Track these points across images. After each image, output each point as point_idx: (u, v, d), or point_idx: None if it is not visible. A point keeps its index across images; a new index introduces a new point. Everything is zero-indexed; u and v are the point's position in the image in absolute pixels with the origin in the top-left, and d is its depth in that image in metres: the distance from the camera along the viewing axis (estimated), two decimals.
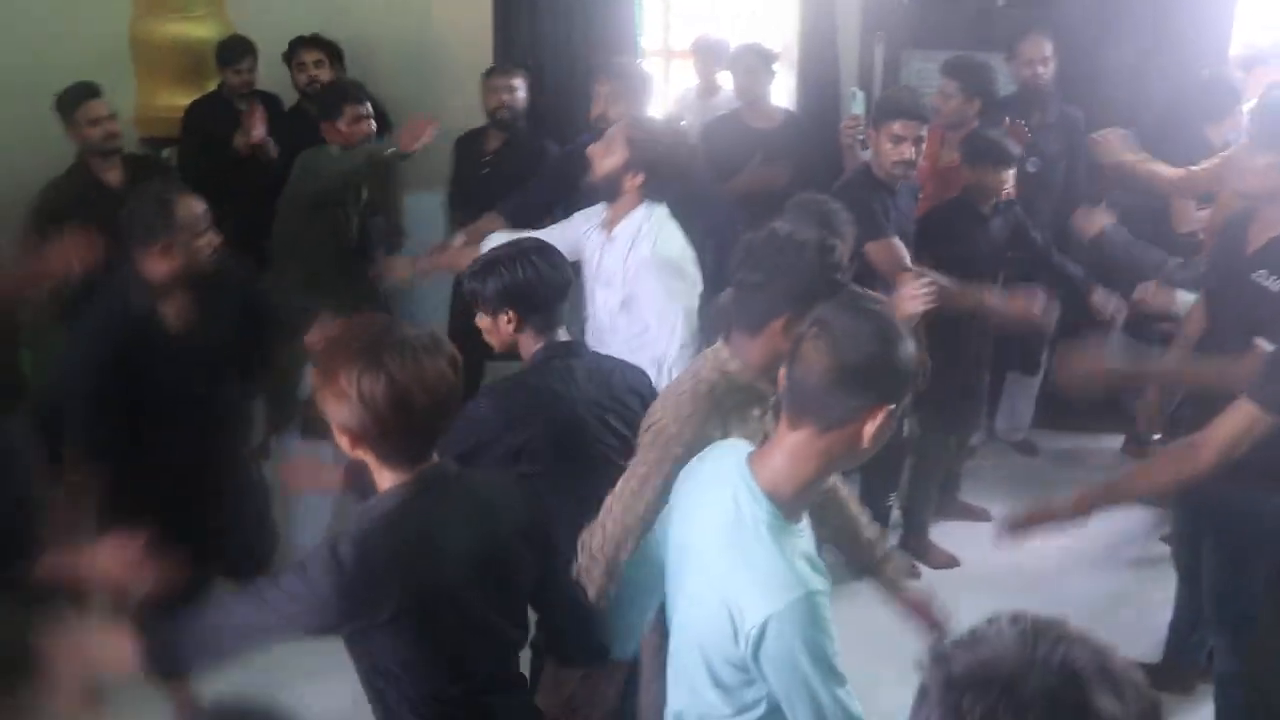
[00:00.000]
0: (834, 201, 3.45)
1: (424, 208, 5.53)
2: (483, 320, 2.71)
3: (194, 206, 3.19)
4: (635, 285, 3.29)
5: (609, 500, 2.36)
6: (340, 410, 1.88)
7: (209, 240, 3.21)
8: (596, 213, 3.52)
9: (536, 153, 4.99)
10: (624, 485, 2.34)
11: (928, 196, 4.54)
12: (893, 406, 1.79)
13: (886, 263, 3.89)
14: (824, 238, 2.35)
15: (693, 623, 1.95)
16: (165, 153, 5.60)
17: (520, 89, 5.07)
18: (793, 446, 1.84)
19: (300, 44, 5.48)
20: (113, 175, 4.44)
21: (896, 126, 3.91)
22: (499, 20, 5.54)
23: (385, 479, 1.98)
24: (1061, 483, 4.45)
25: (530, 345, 2.70)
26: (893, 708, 1.54)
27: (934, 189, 4.61)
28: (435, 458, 2.01)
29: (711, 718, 1.95)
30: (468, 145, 5.26)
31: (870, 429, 1.79)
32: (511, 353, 2.75)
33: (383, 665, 1.99)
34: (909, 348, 1.81)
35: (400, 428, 1.88)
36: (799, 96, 5.62)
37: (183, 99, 5.81)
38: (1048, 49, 4.89)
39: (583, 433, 2.64)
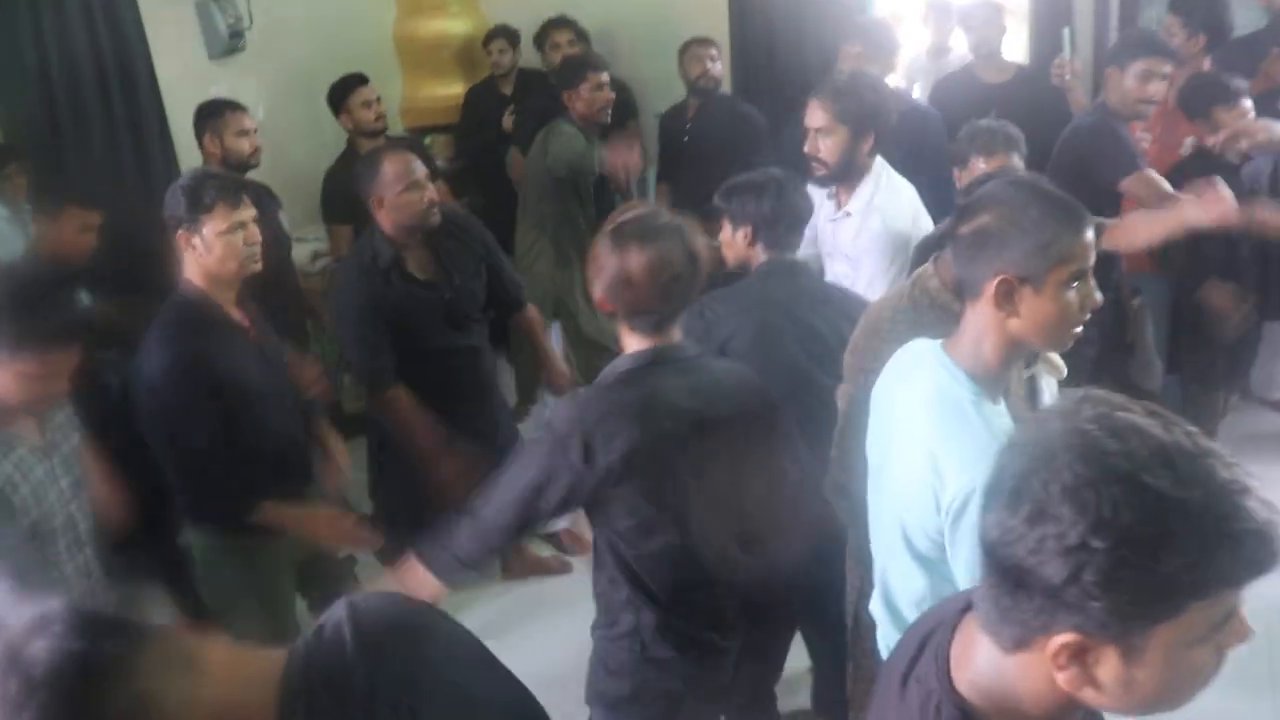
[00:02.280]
0: (1012, 127, 3.44)
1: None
2: (723, 231, 3.05)
3: (399, 163, 3.47)
4: (866, 260, 3.35)
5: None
6: (601, 275, 2.25)
7: (421, 194, 3.48)
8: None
9: (737, 117, 5.16)
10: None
11: (1156, 139, 4.43)
12: (1012, 277, 1.85)
13: (1148, 194, 3.74)
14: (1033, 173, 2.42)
15: (894, 502, 2.06)
16: (427, 139, 6.07)
17: (718, 58, 5.26)
18: (969, 324, 1.94)
19: (550, 26, 5.83)
20: None
21: (1141, 64, 3.85)
22: None
23: (630, 343, 2.31)
24: None
25: (759, 260, 3.03)
26: None
27: (1161, 131, 4.49)
28: (677, 335, 2.31)
29: (909, 590, 2.07)
30: (671, 120, 5.47)
31: (998, 299, 1.86)
32: (738, 270, 3.08)
33: (614, 529, 2.26)
34: (1037, 216, 1.84)
35: (644, 297, 2.22)
36: (1031, 49, 5.54)
37: (443, 90, 6.34)
38: None
39: (780, 337, 2.85)
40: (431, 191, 3.53)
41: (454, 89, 6.33)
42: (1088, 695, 1.13)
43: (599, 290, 2.29)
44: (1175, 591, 1.04)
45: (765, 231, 2.99)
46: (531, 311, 4.01)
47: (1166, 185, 3.77)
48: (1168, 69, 3.91)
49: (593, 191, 4.97)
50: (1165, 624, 1.05)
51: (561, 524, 4.54)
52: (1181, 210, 3.13)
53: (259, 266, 2.97)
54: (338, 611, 1.36)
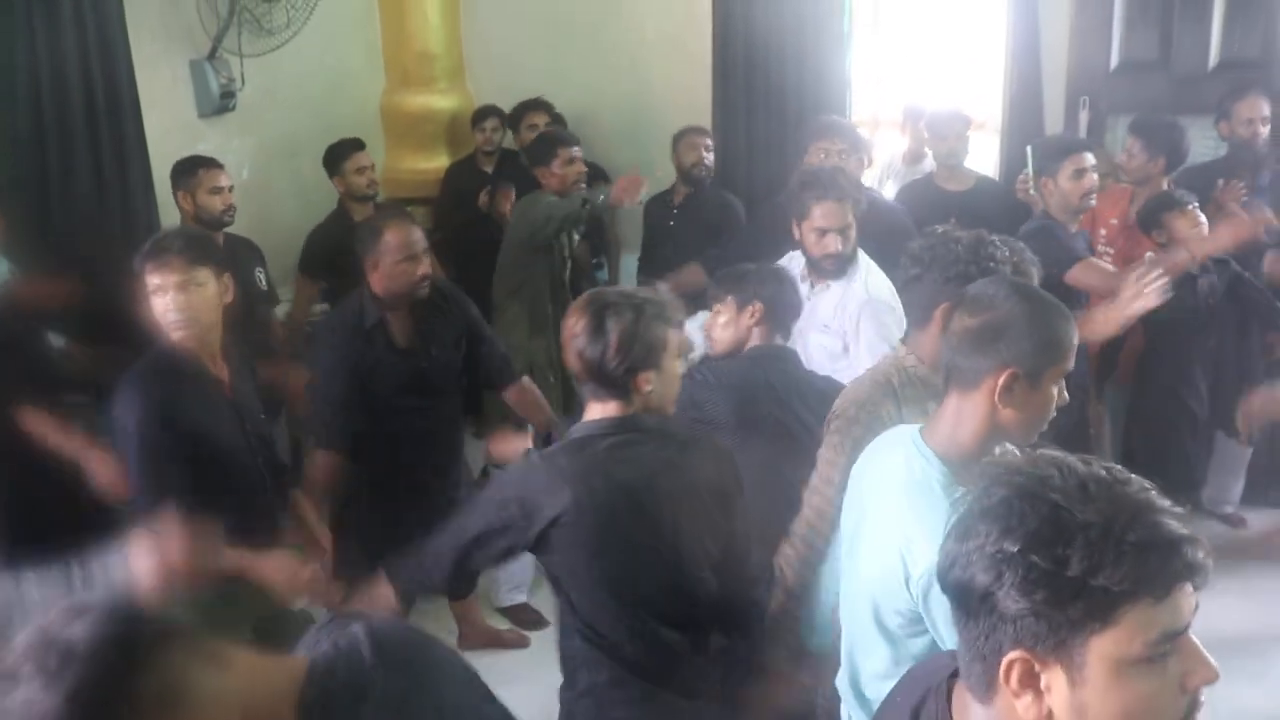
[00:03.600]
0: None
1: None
2: (721, 315, 3.18)
3: (401, 234, 3.56)
4: (854, 328, 3.54)
5: (806, 493, 2.60)
6: (572, 343, 2.38)
7: (415, 266, 3.57)
8: (795, 261, 3.74)
9: (721, 206, 5.29)
10: (816, 475, 2.56)
11: (1119, 254, 4.57)
12: (1018, 371, 1.93)
13: (1096, 281, 3.91)
14: (979, 234, 2.51)
15: (865, 578, 2.11)
16: (407, 209, 6.12)
17: (712, 148, 5.39)
18: (951, 410, 2.01)
19: (526, 108, 5.95)
20: None
21: (1068, 165, 4.07)
22: (718, 85, 5.85)
23: (592, 410, 2.41)
24: (1272, 562, 4.36)
25: (756, 343, 3.16)
26: None
27: (1125, 245, 4.64)
28: (623, 409, 2.39)
29: (872, 665, 2.11)
30: (654, 202, 5.58)
31: (1000, 391, 1.93)
32: (722, 350, 3.21)
33: (559, 577, 2.35)
34: (1042, 314, 1.94)
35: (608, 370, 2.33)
36: (1003, 160, 5.73)
37: (424, 163, 6.45)
38: (1266, 109, 4.86)
39: (762, 420, 2.97)
40: (426, 265, 3.61)
41: (435, 162, 6.45)
42: None
43: (570, 357, 2.40)
44: (1090, 595, 1.12)
45: (773, 314, 3.14)
46: (525, 384, 4.02)
47: (1109, 267, 3.93)
48: (1091, 160, 4.13)
49: (568, 258, 5.06)
50: (1097, 636, 1.13)
51: (520, 597, 4.53)
52: (1128, 291, 3.28)
53: (181, 332, 2.92)
54: (354, 628, 1.42)
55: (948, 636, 1.90)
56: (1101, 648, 1.13)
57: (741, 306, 3.15)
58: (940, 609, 1.87)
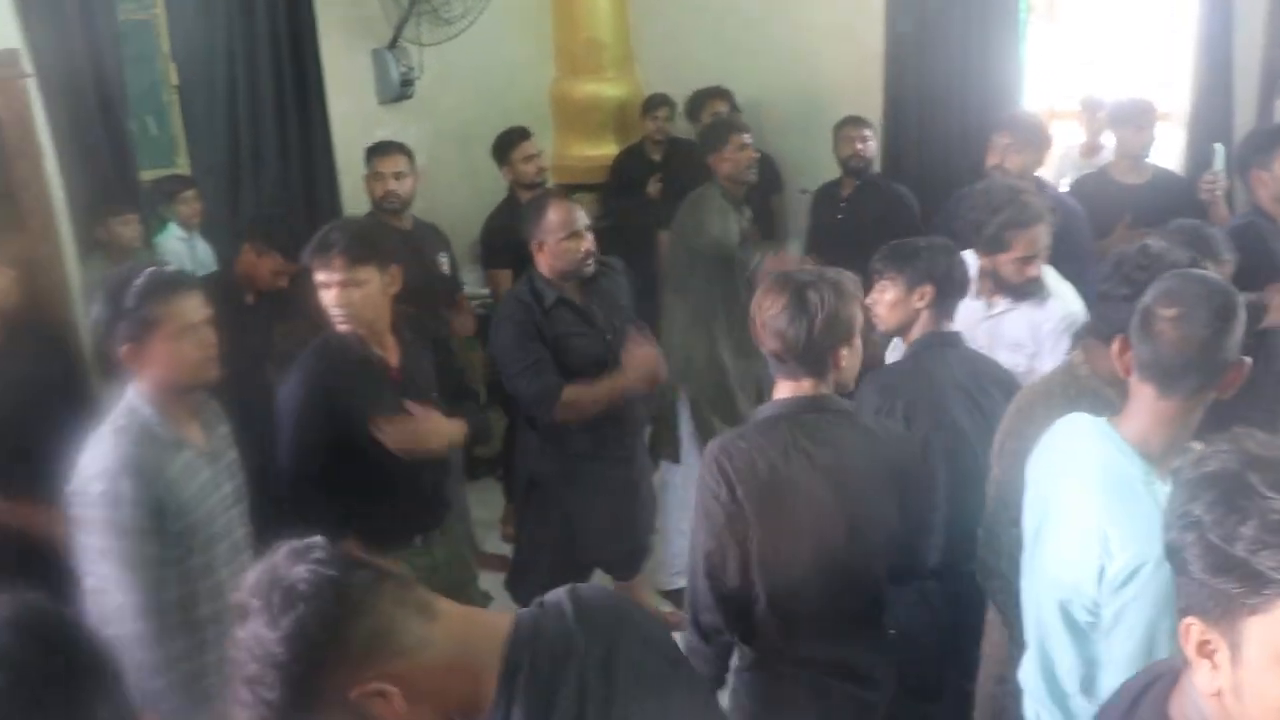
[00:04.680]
0: (1212, 227, 3.35)
1: None
2: (887, 293, 3.03)
3: (563, 211, 3.60)
4: (1047, 345, 3.36)
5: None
6: (757, 328, 2.41)
7: (580, 243, 3.60)
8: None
9: (893, 198, 5.20)
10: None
11: None
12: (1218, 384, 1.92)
13: None
14: (1194, 259, 2.41)
15: (1053, 573, 2.07)
16: (573, 197, 6.22)
17: (871, 139, 5.30)
18: (1149, 409, 1.96)
19: (707, 95, 5.95)
20: None
21: None
22: (890, 75, 5.78)
23: (778, 391, 2.44)
24: None
25: (923, 326, 3.01)
26: None
27: None
28: (817, 389, 2.40)
29: (1066, 660, 2.07)
30: (822, 194, 5.51)
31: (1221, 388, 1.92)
32: (890, 331, 3.10)
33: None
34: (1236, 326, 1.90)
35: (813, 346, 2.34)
36: (1189, 155, 5.49)
37: (592, 150, 6.54)
38: None
39: (945, 410, 2.85)
40: (589, 241, 3.64)
41: (603, 150, 6.52)
42: (1221, 707, 1.21)
43: (767, 338, 2.41)
44: (1248, 575, 1.15)
45: (944, 296, 2.99)
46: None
47: None
48: None
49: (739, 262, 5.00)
50: (1255, 618, 1.16)
51: (682, 582, 4.56)
52: None
53: (345, 326, 3.02)
54: (559, 592, 1.51)
55: (1122, 643, 1.90)
56: (1260, 632, 1.16)
57: (911, 287, 2.99)
58: (1129, 611, 1.86)
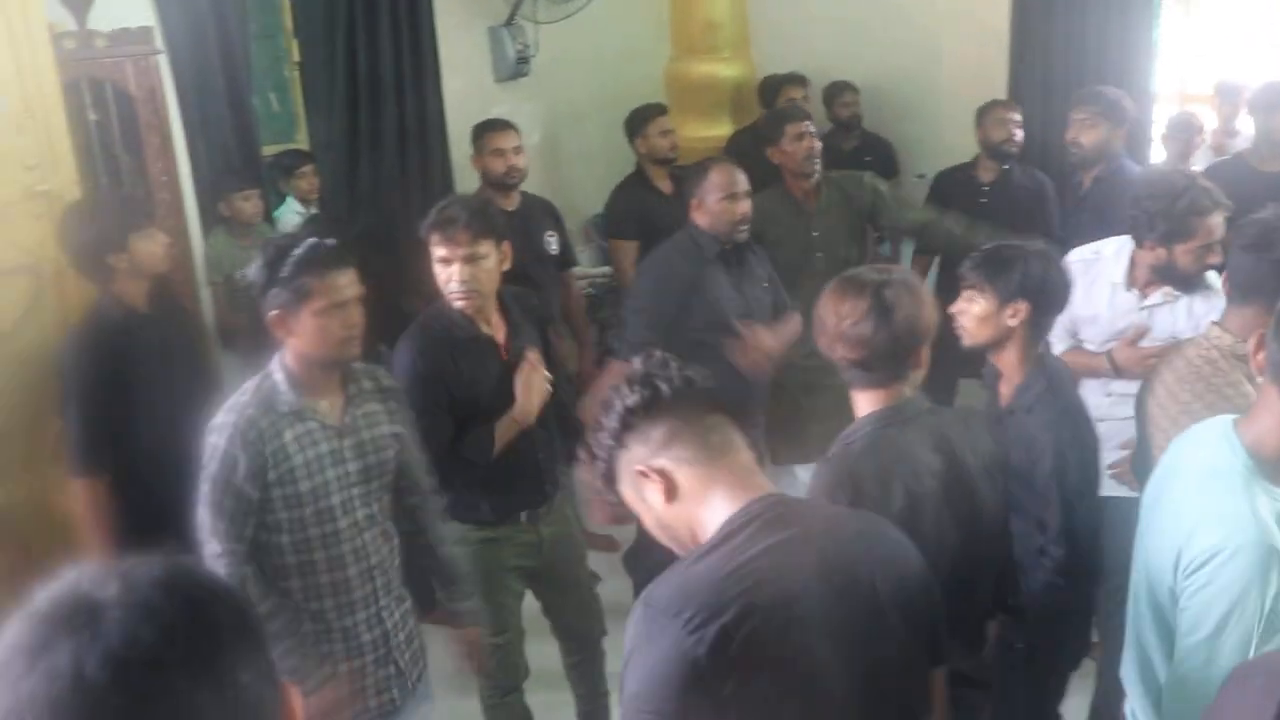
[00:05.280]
0: None
1: None
2: (975, 305, 2.69)
3: (726, 173, 3.70)
4: None
5: None
6: (830, 337, 2.26)
7: (736, 205, 3.68)
8: (1121, 256, 3.38)
9: (1035, 186, 5.04)
10: None
11: None
12: None
13: None
14: None
15: (1149, 562, 2.01)
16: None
17: (1020, 124, 5.12)
18: (1271, 407, 1.85)
19: (780, 81, 5.90)
20: (664, 184, 4.98)
21: None
22: (1014, 57, 5.62)
23: (862, 404, 2.28)
24: None
25: (1020, 349, 2.67)
26: None
27: None
28: (906, 392, 2.26)
29: (1160, 661, 2.01)
30: (955, 179, 5.33)
31: None
32: (977, 346, 2.75)
33: None
34: None
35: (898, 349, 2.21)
36: None
37: (705, 130, 6.47)
38: None
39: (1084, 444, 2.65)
40: (746, 207, 3.69)
41: (718, 130, 6.45)
42: None
43: (842, 345, 2.25)
44: None
45: (1040, 314, 2.66)
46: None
47: None
48: None
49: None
50: None
51: None
52: None
53: (463, 302, 3.02)
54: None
55: (1188, 630, 1.85)
56: None
57: (1003, 302, 2.64)
58: (1202, 592, 1.81)
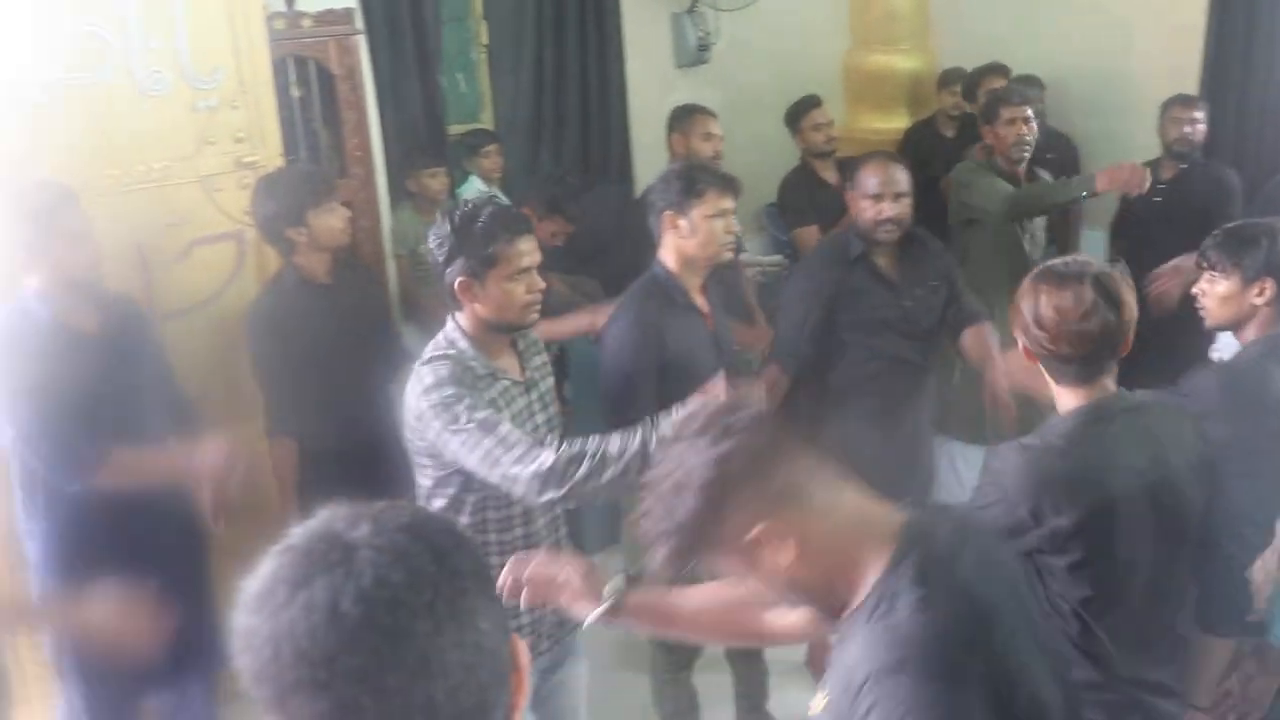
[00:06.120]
0: None
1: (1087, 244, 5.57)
2: (1219, 285, 2.68)
3: (878, 171, 3.56)
4: None
5: None
6: (1018, 322, 2.20)
7: (885, 207, 3.52)
8: None
9: (1217, 183, 4.84)
10: None
11: None
12: None
13: None
14: None
15: None
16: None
17: (1201, 121, 4.92)
18: None
19: (982, 72, 5.71)
20: (829, 174, 4.99)
21: None
22: (1210, 54, 5.41)
23: (1063, 400, 2.21)
24: None
25: (1261, 325, 2.66)
26: None
27: None
28: (1111, 386, 2.19)
29: None
30: None
31: None
32: (1216, 324, 2.77)
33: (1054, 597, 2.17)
34: None
35: (1070, 349, 2.13)
36: None
37: (882, 123, 6.42)
38: None
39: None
40: (893, 208, 3.56)
41: (894, 123, 6.39)
42: None
43: (1019, 338, 2.22)
44: None
45: None
46: (985, 329, 3.68)
47: None
48: None
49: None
50: None
51: None
52: None
53: (730, 255, 3.12)
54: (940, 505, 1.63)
55: None
56: None
57: (1248, 281, 2.62)
58: None
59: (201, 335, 3.56)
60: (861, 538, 1.48)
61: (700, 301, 3.15)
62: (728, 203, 3.03)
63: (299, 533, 0.99)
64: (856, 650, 1.43)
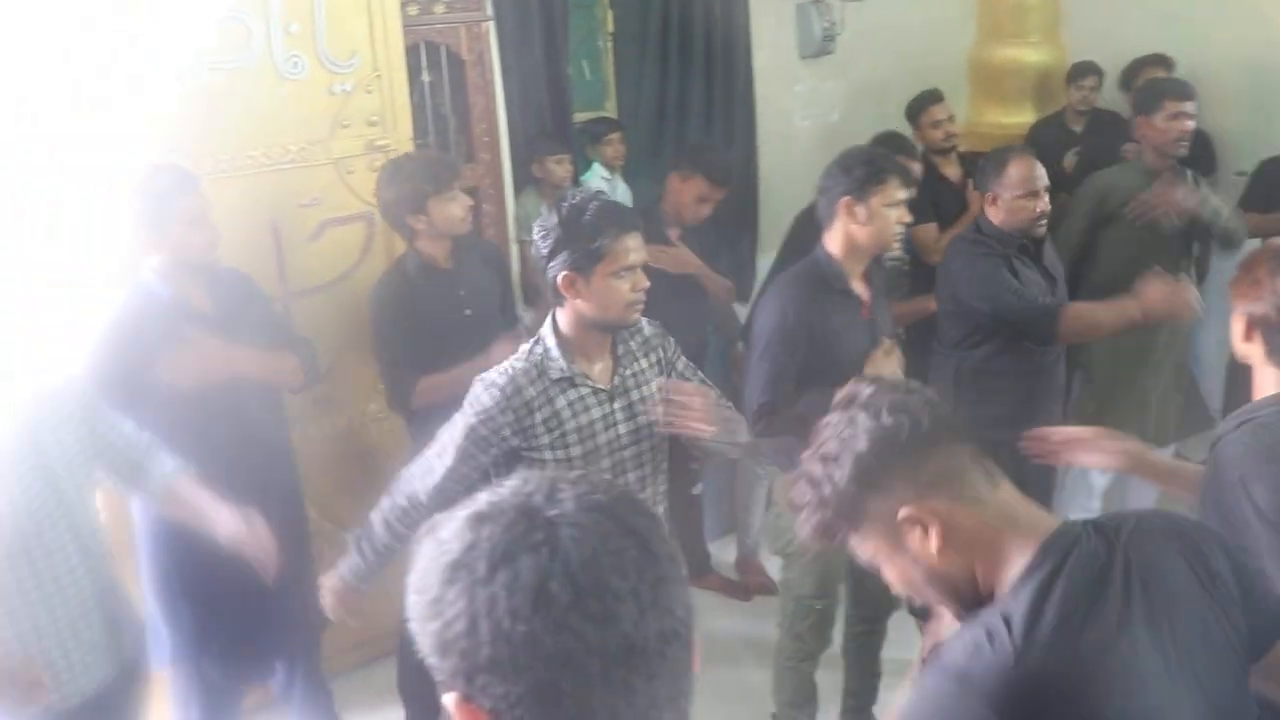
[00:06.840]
0: None
1: None
2: None
3: (1025, 168, 3.50)
4: None
5: None
6: (1248, 301, 2.10)
7: (1035, 203, 3.49)
8: None
9: None
10: None
11: None
12: None
13: None
14: None
15: None
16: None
17: None
18: None
19: (1142, 64, 5.57)
20: (950, 170, 4.90)
21: None
22: None
23: (1268, 379, 2.10)
24: None
25: None
26: None
27: None
28: None
29: None
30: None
31: None
32: None
33: None
34: None
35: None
36: None
37: (1007, 117, 6.28)
38: None
39: None
40: (1044, 203, 3.53)
41: (1020, 118, 6.24)
42: None
43: (1246, 309, 2.11)
44: None
45: None
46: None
47: None
48: None
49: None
50: None
51: None
52: None
53: (897, 246, 3.14)
54: (1119, 514, 1.56)
55: None
56: None
57: None
58: None
59: (331, 313, 3.65)
60: (1008, 538, 1.43)
61: (860, 288, 3.13)
62: (904, 193, 3.02)
63: (489, 501, 0.98)
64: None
